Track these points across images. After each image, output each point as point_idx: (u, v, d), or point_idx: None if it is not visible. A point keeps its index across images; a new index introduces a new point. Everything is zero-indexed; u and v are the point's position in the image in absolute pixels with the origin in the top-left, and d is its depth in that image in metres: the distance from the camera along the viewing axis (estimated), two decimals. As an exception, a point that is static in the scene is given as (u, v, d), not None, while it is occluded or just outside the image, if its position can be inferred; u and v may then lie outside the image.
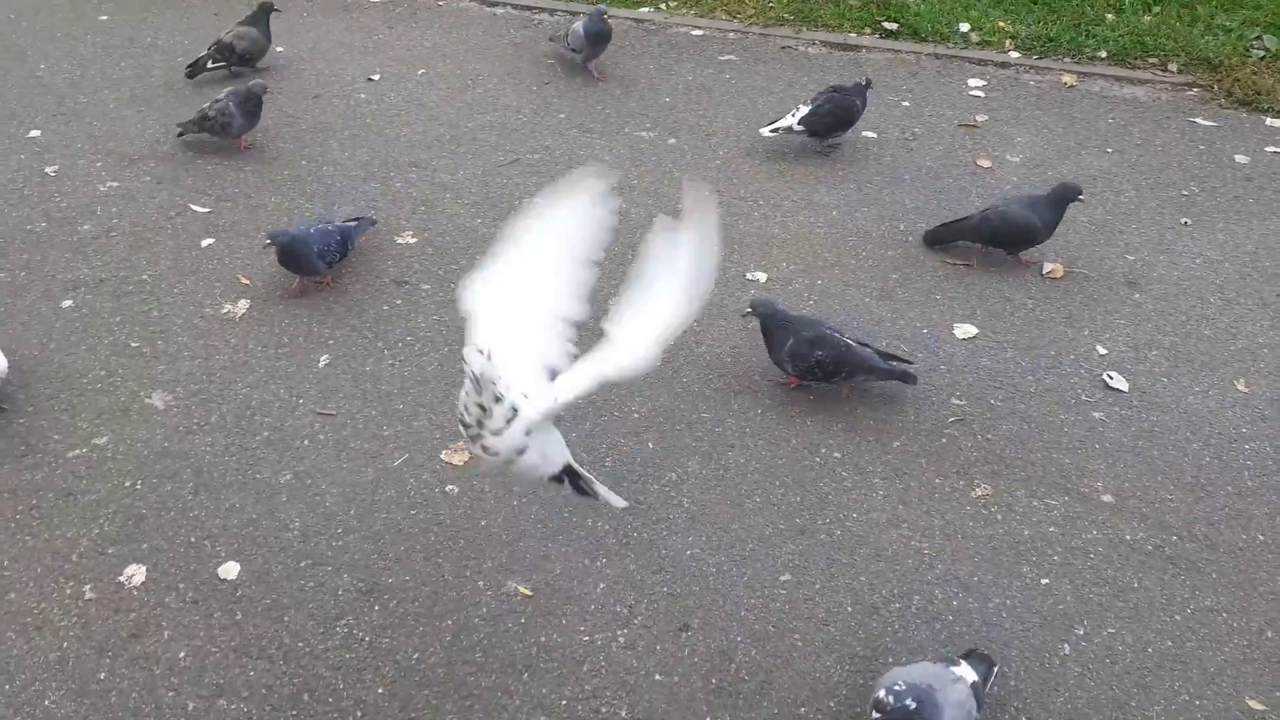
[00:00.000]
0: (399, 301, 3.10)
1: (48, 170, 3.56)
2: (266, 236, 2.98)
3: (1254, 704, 2.08)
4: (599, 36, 4.14)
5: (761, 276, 3.17)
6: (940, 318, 3.05)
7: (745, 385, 2.83)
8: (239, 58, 4.08)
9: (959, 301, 3.12)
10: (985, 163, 3.76)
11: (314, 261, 2.98)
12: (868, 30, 4.68)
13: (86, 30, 4.51)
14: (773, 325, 2.74)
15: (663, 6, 4.89)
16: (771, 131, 3.73)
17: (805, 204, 3.52)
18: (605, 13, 4.17)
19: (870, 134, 3.89)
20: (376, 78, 4.21)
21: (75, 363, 2.80)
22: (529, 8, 4.85)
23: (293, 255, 2.97)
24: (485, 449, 1.92)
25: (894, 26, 4.69)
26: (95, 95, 4.02)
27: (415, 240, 3.33)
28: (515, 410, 1.87)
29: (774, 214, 3.47)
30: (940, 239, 3.31)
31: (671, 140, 3.87)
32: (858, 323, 2.99)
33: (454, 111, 4.02)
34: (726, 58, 4.44)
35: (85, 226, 3.30)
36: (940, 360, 2.91)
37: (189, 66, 4.11)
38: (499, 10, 4.84)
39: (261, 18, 4.12)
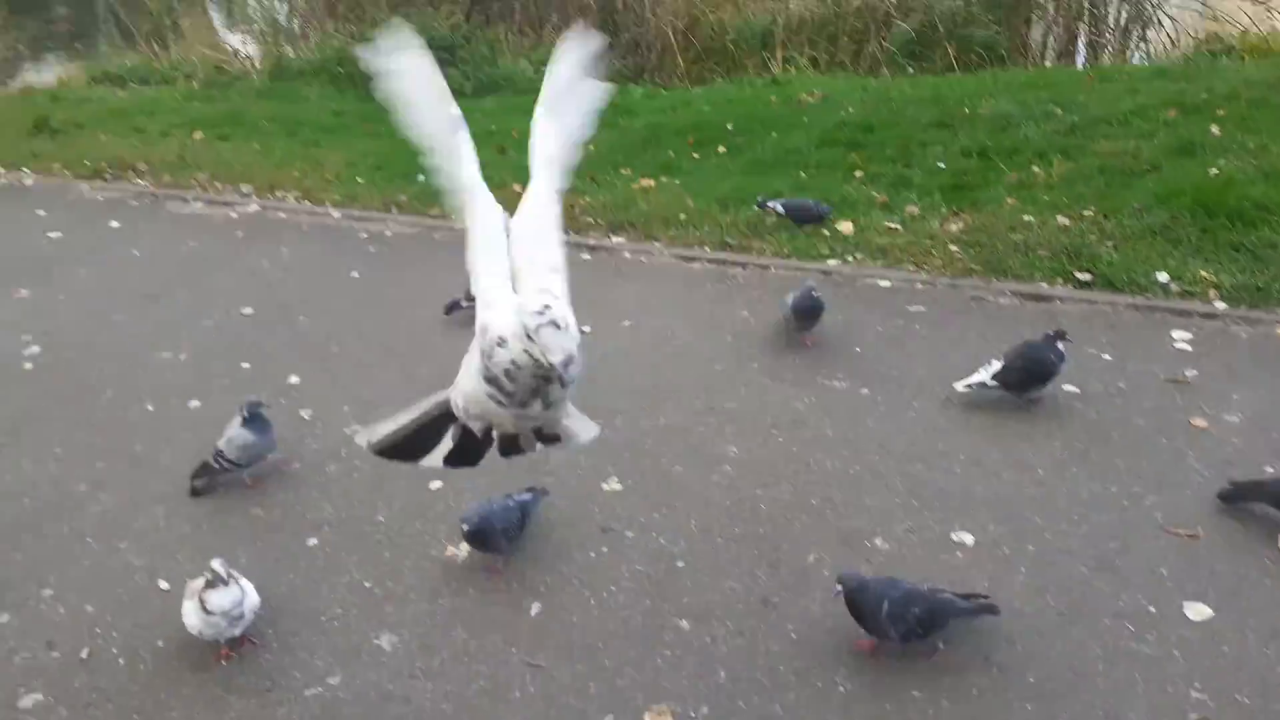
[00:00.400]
0: (605, 549, 3.23)
1: (302, 414, 4.00)
2: (463, 521, 3.10)
3: None
4: (809, 312, 4.20)
5: (968, 539, 3.15)
6: (1168, 595, 2.90)
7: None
8: None
9: (1188, 576, 2.97)
10: (1200, 422, 3.66)
11: (499, 541, 3.11)
12: (1060, 280, 4.75)
13: (340, 286, 5.14)
14: (861, 596, 2.69)
15: (849, 259, 5.14)
16: (965, 387, 3.81)
17: (1009, 461, 3.51)
18: (814, 289, 4.22)
19: (1072, 388, 3.88)
20: (588, 329, 4.57)
21: (316, 601, 3.05)
22: (724, 262, 5.20)
23: (481, 537, 3.10)
24: (523, 416, 1.59)
25: (1087, 277, 4.74)
26: (345, 346, 4.54)
27: (620, 487, 3.51)
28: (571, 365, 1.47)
29: (975, 471, 3.47)
30: (1238, 496, 3.19)
31: (864, 390, 3.98)
32: (1076, 594, 2.91)
33: (656, 361, 4.29)
34: (916, 309, 4.58)
35: (331, 468, 3.66)
36: (1173, 645, 2.74)
37: (447, 306, 4.59)
38: (696, 265, 5.21)
39: None
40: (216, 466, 3.51)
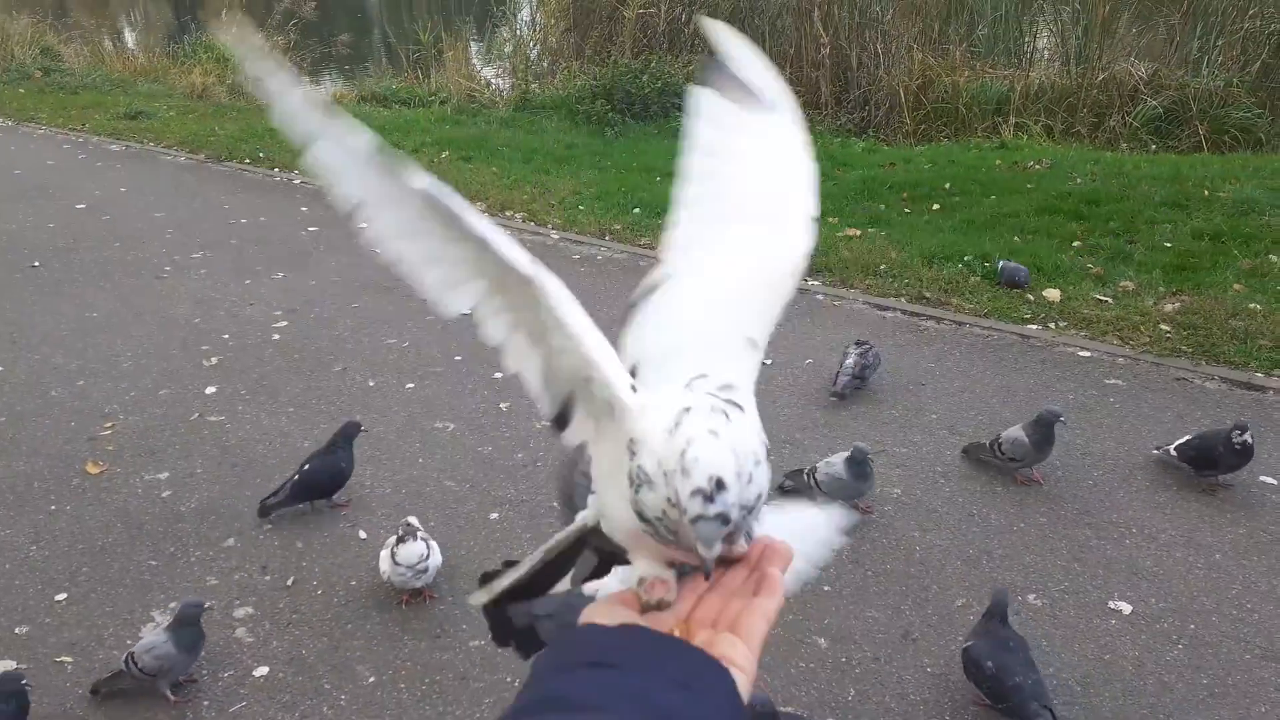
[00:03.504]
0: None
1: (502, 406, 4.38)
2: None
3: None
4: (1043, 443, 3.73)
5: (1125, 608, 3.07)
6: (1335, 694, 2.76)
7: None
8: None
9: (1361, 680, 2.80)
10: None
11: None
12: (1277, 372, 4.49)
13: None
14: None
15: (1051, 326, 5.05)
16: (1156, 449, 3.79)
17: (1184, 541, 3.38)
18: (1059, 415, 3.70)
19: (1269, 479, 3.69)
20: (769, 362, 4.74)
21: (492, 566, 3.34)
22: (918, 314, 5.23)
23: None
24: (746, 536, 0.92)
25: (1309, 370, 4.46)
26: (545, 350, 4.90)
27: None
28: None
29: (1147, 545, 3.37)
30: None
31: (1042, 464, 3.93)
32: (1233, 680, 2.79)
33: (832, 401, 4.38)
34: (1112, 382, 4.46)
35: (519, 455, 3.99)
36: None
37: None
38: (889, 314, 5.27)
39: None
40: (126, 671, 2.86)
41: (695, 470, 0.79)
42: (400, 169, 0.86)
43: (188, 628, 2.89)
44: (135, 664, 2.83)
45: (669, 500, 0.81)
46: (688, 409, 0.84)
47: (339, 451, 3.68)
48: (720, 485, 0.78)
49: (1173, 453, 3.68)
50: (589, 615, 0.83)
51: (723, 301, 1.01)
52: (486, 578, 1.17)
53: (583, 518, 1.05)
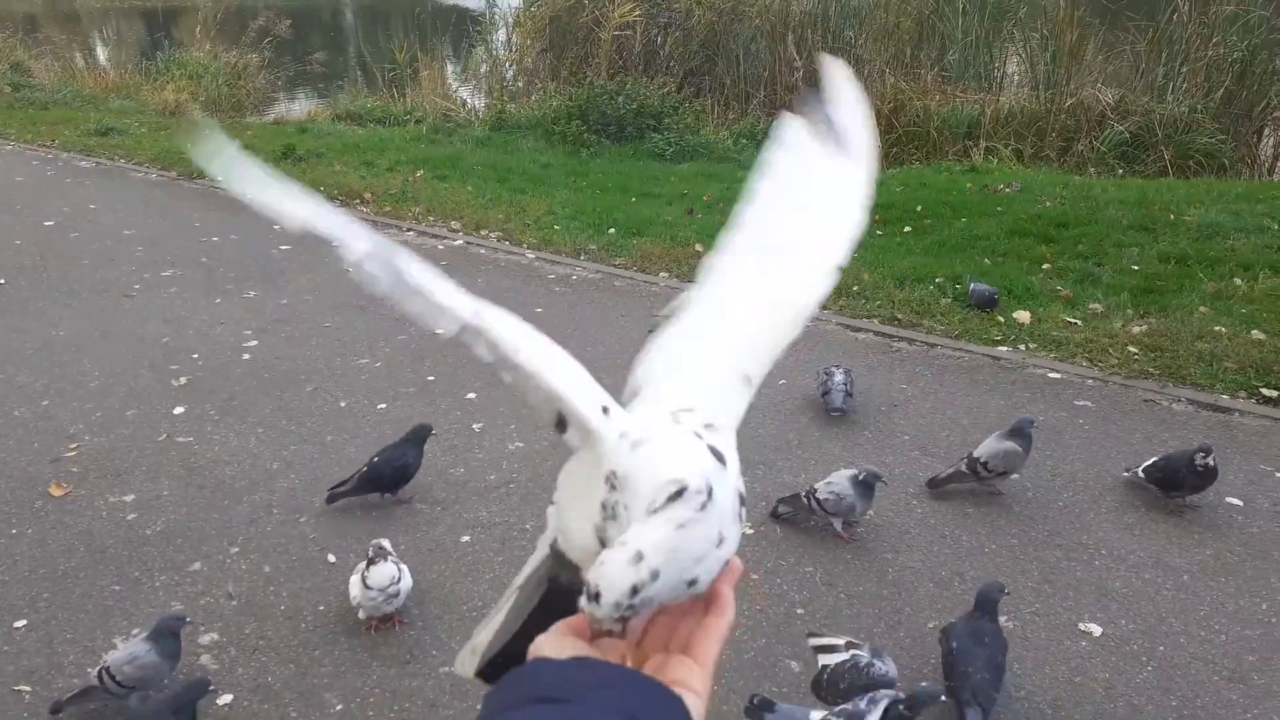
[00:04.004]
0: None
1: (474, 427, 4.35)
2: None
3: None
4: (1028, 449, 3.73)
5: (1095, 629, 3.09)
6: (1304, 716, 2.78)
7: (1065, 741, 2.73)
8: None
9: (1327, 700, 2.83)
10: (1374, 552, 3.45)
11: None
12: (1243, 394, 4.55)
13: (525, 319, 5.51)
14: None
15: (1022, 347, 5.10)
16: (1126, 471, 3.83)
17: (1153, 562, 3.41)
18: (1032, 421, 3.77)
19: (1235, 501, 3.73)
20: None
21: (462, 590, 3.32)
22: (890, 335, 5.27)
23: None
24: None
25: (1275, 394, 4.52)
26: (518, 370, 4.88)
27: (751, 532, 3.63)
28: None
29: (1116, 567, 3.39)
30: None
31: (1014, 476, 3.94)
32: (1201, 702, 2.81)
33: (804, 422, 4.40)
34: (1082, 403, 4.50)
35: (491, 477, 3.96)
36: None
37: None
38: (861, 335, 5.30)
39: None
40: (99, 687, 2.80)
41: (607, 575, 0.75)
42: (343, 237, 0.84)
43: (168, 639, 2.87)
44: (112, 677, 2.77)
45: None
46: (681, 489, 0.78)
47: (409, 449, 3.78)
48: (634, 590, 0.75)
49: (1140, 475, 3.72)
50: (538, 648, 0.81)
51: (727, 336, 1.00)
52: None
53: (545, 539, 1.01)
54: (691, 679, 0.77)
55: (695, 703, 0.76)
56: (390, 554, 3.15)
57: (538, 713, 0.72)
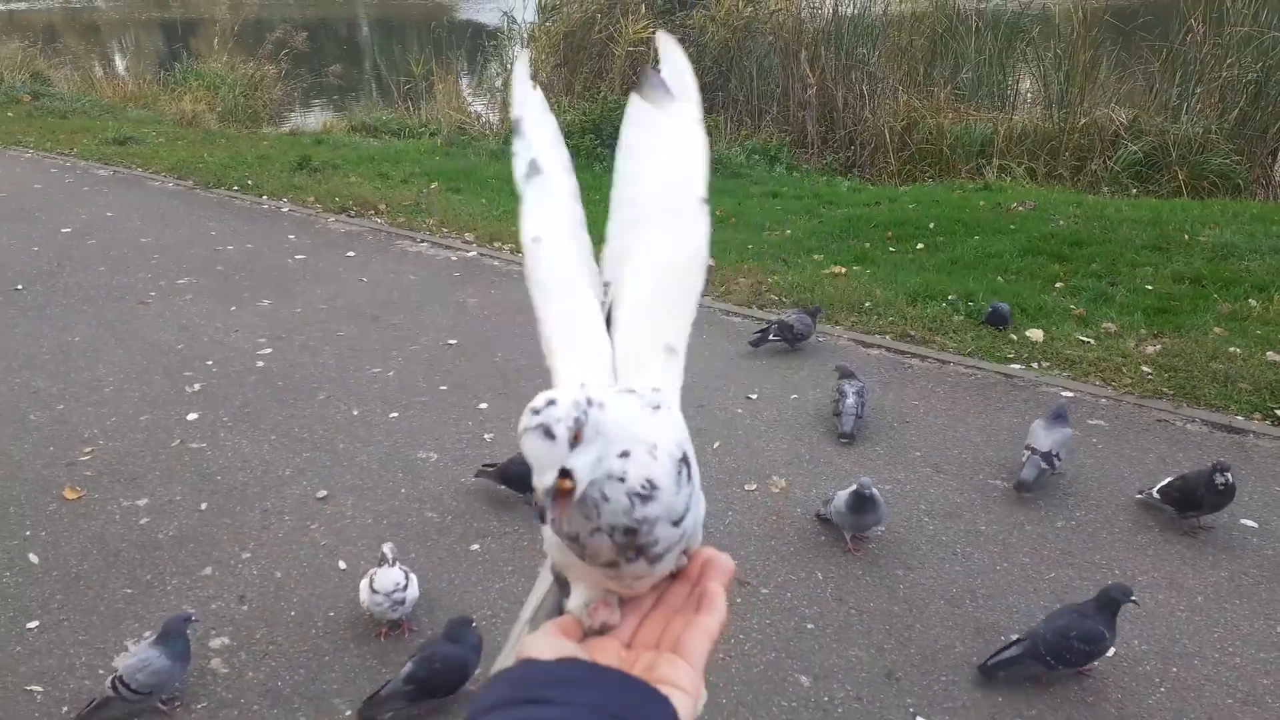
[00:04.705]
0: (738, 599, 3.35)
1: (486, 436, 4.36)
2: None
3: None
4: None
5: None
6: (1317, 738, 2.75)
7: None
8: (796, 335, 5.14)
9: (1343, 723, 2.80)
10: (1389, 575, 3.42)
11: None
12: (1258, 416, 4.53)
13: (537, 330, 5.53)
14: None
15: (1034, 365, 5.08)
16: (1140, 494, 3.80)
17: (1166, 583, 3.39)
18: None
19: (1250, 523, 3.71)
20: (754, 396, 4.74)
21: (472, 599, 3.32)
22: (903, 352, 5.26)
23: None
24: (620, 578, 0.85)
25: (1289, 415, 4.50)
26: (534, 382, 4.88)
27: (762, 546, 3.63)
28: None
29: (1130, 587, 3.37)
30: None
31: (1026, 494, 3.94)
32: (1215, 722, 2.79)
33: (815, 437, 4.39)
34: (1095, 422, 4.48)
35: (503, 486, 3.97)
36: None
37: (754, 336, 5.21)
38: (873, 351, 5.30)
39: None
40: (115, 696, 2.81)
41: (537, 399, 0.75)
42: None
43: (176, 639, 2.87)
44: (126, 685, 2.79)
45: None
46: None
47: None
48: (551, 401, 0.74)
49: (1155, 495, 3.70)
50: (525, 649, 0.80)
51: (640, 312, 1.00)
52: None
53: (546, 566, 0.99)
54: (680, 678, 0.77)
55: (684, 701, 0.75)
56: (394, 557, 3.14)
57: (523, 713, 0.71)
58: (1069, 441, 3.96)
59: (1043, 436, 3.94)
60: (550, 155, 1.07)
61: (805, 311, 5.30)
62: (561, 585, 0.93)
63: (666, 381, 0.95)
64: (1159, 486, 3.70)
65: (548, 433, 0.73)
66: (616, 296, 1.03)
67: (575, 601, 0.87)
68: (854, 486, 3.50)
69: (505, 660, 1.02)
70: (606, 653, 0.80)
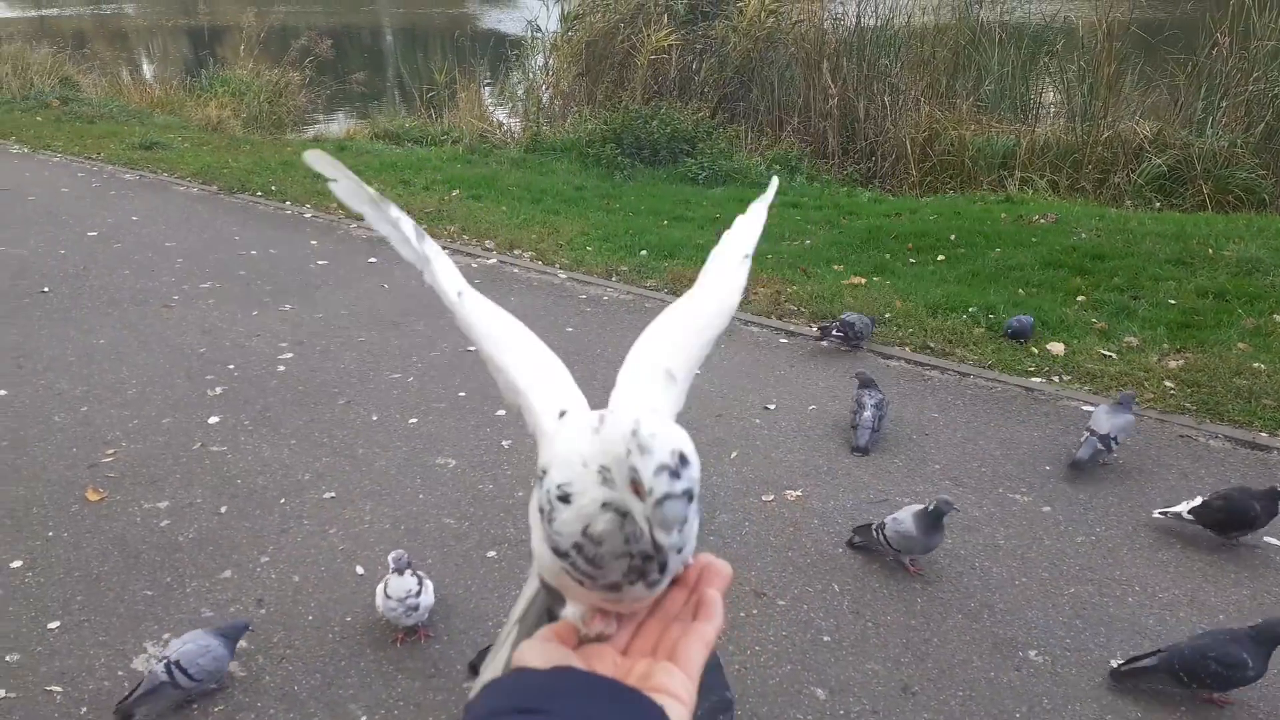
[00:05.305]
0: (755, 611, 3.34)
1: (504, 443, 4.37)
2: None
3: None
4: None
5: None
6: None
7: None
8: (857, 334, 5.26)
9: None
10: None
11: None
12: (1283, 432, 4.49)
13: (555, 338, 5.50)
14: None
15: (1055, 379, 5.05)
16: (1160, 514, 3.73)
17: (1187, 600, 3.36)
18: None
19: (1273, 540, 3.67)
20: (772, 406, 4.74)
21: (487, 606, 3.33)
22: (921, 364, 5.24)
23: None
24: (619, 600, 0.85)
25: (1315, 432, 4.45)
26: (549, 389, 4.91)
27: (778, 558, 3.62)
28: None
29: (1149, 604, 3.34)
30: None
31: (1046, 508, 3.91)
32: (1236, 742, 2.76)
33: (832, 447, 4.38)
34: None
35: (520, 493, 3.98)
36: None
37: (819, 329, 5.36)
38: (892, 363, 5.27)
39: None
40: (169, 681, 2.83)
41: (656, 444, 0.73)
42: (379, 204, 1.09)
43: (230, 638, 2.96)
44: (184, 671, 2.82)
45: (605, 505, 0.78)
46: (609, 410, 0.86)
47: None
48: (684, 460, 0.74)
49: (1187, 515, 3.62)
50: (520, 658, 0.81)
51: (651, 341, 1.07)
52: (474, 667, 1.22)
53: (533, 571, 1.00)
54: (676, 686, 0.77)
55: (678, 710, 0.75)
56: (404, 564, 3.12)
57: None
58: (1130, 428, 4.02)
59: (1104, 420, 4.03)
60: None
61: (869, 317, 5.42)
62: (551, 592, 0.93)
63: (663, 401, 1.01)
64: (1191, 506, 3.64)
65: (690, 497, 0.75)
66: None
67: (571, 609, 0.87)
68: (922, 506, 3.42)
69: (497, 661, 1.06)
70: (602, 660, 0.80)
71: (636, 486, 0.74)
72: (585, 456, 0.80)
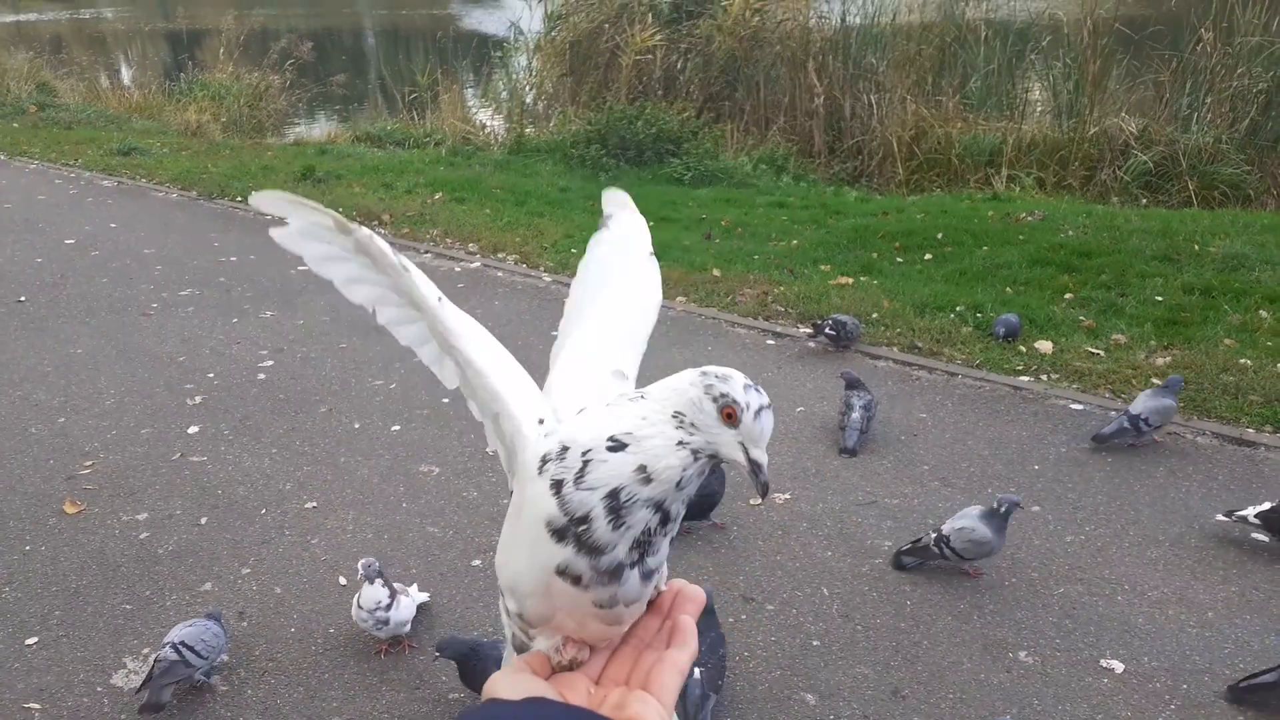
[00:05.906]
0: (744, 616, 3.31)
1: (488, 450, 4.31)
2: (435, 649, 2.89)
3: None
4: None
5: (1118, 666, 3.01)
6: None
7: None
8: (847, 334, 5.24)
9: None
10: (1404, 592, 3.37)
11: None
12: (1269, 428, 4.47)
13: (540, 340, 5.49)
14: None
15: (1044, 378, 5.03)
16: (1225, 516, 3.64)
17: (1176, 598, 3.34)
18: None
19: (1261, 536, 3.65)
20: (762, 409, 4.69)
21: (473, 615, 3.28)
22: (909, 364, 5.22)
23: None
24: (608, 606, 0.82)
25: (1301, 427, 4.45)
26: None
27: (767, 562, 3.58)
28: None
29: (1138, 602, 3.32)
30: None
31: (1035, 508, 3.89)
32: (1229, 743, 2.74)
33: (821, 450, 4.35)
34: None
35: (504, 501, 3.91)
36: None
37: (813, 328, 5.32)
38: (880, 363, 5.25)
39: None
40: (180, 660, 2.87)
41: (731, 372, 0.82)
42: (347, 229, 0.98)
43: (215, 619, 3.01)
44: (191, 649, 2.85)
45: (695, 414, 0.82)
46: (618, 396, 0.90)
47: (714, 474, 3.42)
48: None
49: (1254, 519, 3.53)
50: (492, 688, 0.79)
51: (592, 346, 1.11)
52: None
53: (504, 619, 0.96)
54: (650, 715, 0.76)
55: None
56: (373, 573, 3.03)
57: None
58: (1168, 412, 4.01)
59: (1140, 401, 4.07)
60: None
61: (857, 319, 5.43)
62: (518, 634, 0.90)
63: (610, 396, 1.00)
64: (1259, 511, 3.53)
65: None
66: (562, 333, 1.19)
67: (543, 641, 0.85)
68: (984, 508, 3.35)
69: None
70: (575, 690, 0.79)
71: (729, 410, 0.80)
72: (641, 414, 0.82)
